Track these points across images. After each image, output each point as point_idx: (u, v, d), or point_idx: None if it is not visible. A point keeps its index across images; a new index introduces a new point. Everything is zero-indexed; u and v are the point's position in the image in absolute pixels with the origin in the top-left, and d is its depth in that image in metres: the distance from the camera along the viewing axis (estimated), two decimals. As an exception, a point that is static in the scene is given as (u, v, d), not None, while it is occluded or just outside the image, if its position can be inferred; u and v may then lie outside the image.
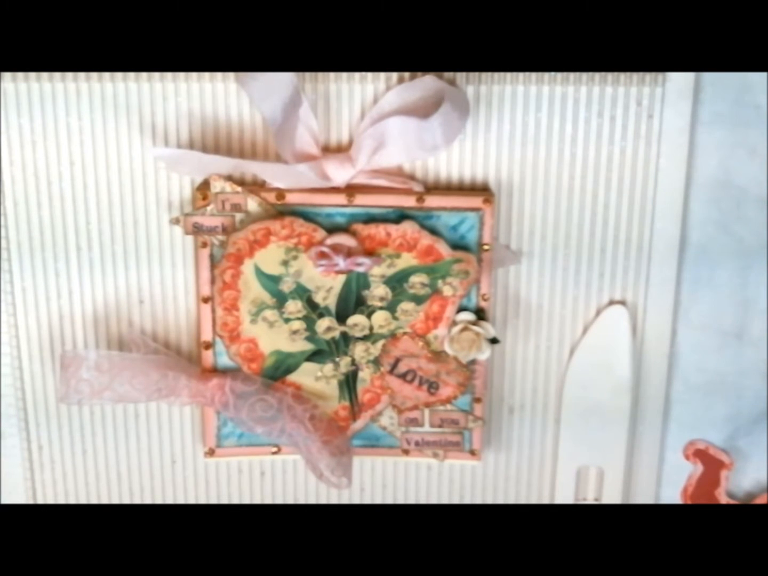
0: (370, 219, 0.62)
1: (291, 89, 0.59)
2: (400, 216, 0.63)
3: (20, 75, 0.61)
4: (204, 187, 0.62)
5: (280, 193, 0.62)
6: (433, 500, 0.71)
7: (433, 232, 0.63)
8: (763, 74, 0.62)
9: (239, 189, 0.62)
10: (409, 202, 0.62)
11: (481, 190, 0.64)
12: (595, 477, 0.70)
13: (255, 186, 0.63)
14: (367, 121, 0.61)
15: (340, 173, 0.62)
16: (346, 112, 0.62)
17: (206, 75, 0.62)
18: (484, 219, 0.63)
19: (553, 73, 0.62)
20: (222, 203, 0.62)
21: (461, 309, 0.64)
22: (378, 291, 0.63)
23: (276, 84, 0.59)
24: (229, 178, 0.62)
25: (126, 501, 0.70)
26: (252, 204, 0.62)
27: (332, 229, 0.62)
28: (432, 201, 0.62)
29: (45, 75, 0.62)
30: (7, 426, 0.68)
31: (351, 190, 0.62)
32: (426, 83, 0.61)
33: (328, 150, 0.63)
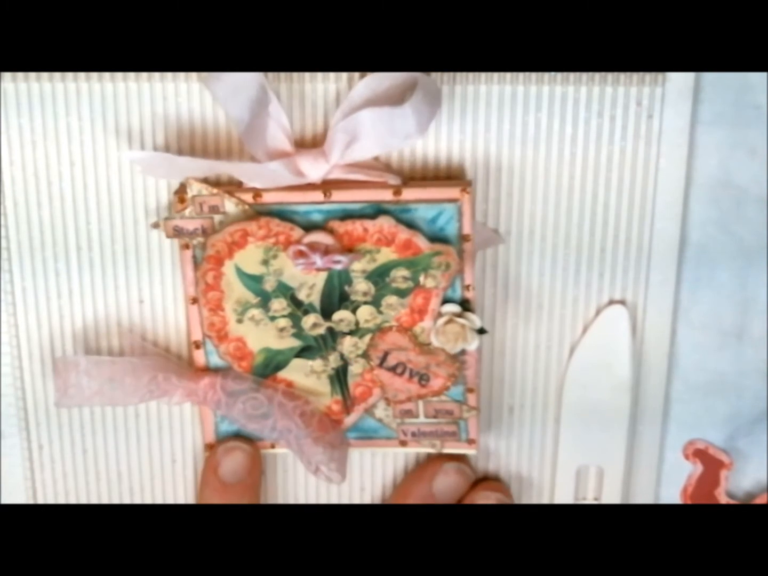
0: (347, 215, 0.62)
1: (257, 87, 0.59)
2: (376, 211, 0.62)
3: (20, 75, 0.61)
4: (181, 190, 0.62)
5: (257, 193, 0.62)
6: (433, 500, 0.71)
7: (411, 225, 0.62)
8: (763, 74, 0.62)
9: (215, 191, 0.62)
10: (386, 195, 0.62)
11: (458, 179, 0.63)
12: (594, 476, 0.70)
13: (232, 186, 0.62)
14: (338, 115, 0.61)
15: (314, 169, 0.61)
16: (318, 103, 0.62)
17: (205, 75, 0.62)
18: (462, 210, 0.62)
19: (553, 73, 0.62)
20: (200, 206, 0.62)
21: (446, 301, 0.64)
22: (360, 286, 0.63)
23: (242, 82, 0.59)
24: (206, 180, 0.62)
25: (126, 501, 0.70)
26: (230, 205, 0.62)
27: (309, 227, 0.62)
28: (409, 194, 0.62)
29: (45, 75, 0.62)
30: (7, 426, 0.68)
31: (327, 186, 0.62)
32: (394, 72, 0.60)
33: (305, 144, 0.62)
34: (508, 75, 0.62)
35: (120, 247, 0.65)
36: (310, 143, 0.63)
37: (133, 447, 0.69)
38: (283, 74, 0.62)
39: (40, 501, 0.70)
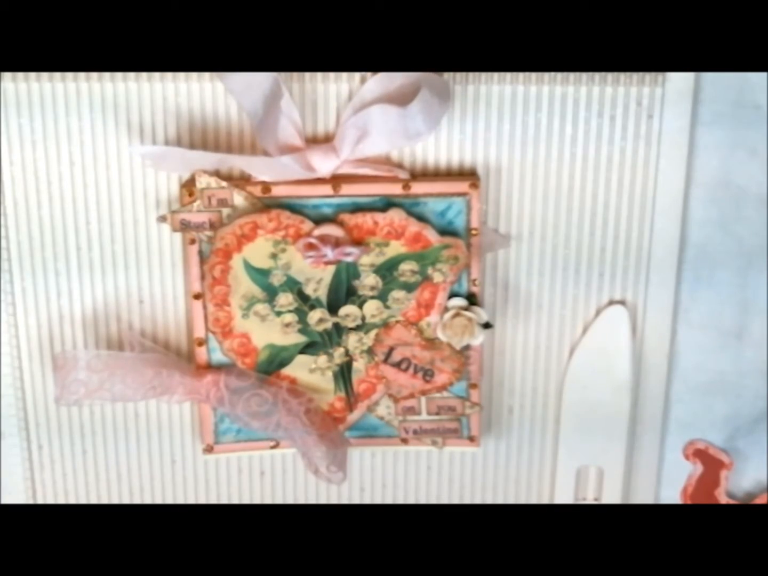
0: (357, 208, 0.62)
1: (271, 81, 0.59)
2: (386, 204, 0.63)
3: (20, 75, 0.61)
4: (190, 183, 0.62)
5: (266, 186, 0.62)
6: (433, 500, 0.71)
7: (421, 218, 0.63)
8: (763, 74, 0.62)
9: (224, 184, 0.62)
10: (395, 189, 0.62)
11: (469, 175, 0.64)
12: (594, 477, 0.70)
13: (241, 180, 0.63)
14: (349, 111, 0.61)
15: (324, 164, 0.62)
16: (329, 101, 0.62)
17: (206, 75, 0.62)
18: (471, 203, 0.63)
19: (553, 73, 0.62)
20: (208, 199, 0.62)
21: (452, 295, 0.64)
22: (368, 280, 0.63)
23: (256, 77, 0.59)
24: (216, 173, 0.62)
25: (126, 501, 0.70)
26: (238, 198, 0.62)
27: (319, 220, 0.63)
28: (418, 188, 0.62)
29: (45, 75, 0.62)
30: (7, 426, 0.68)
31: (337, 180, 0.62)
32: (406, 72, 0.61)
33: (312, 141, 0.63)
34: (509, 75, 0.62)
35: (120, 247, 0.65)
36: (320, 138, 0.63)
37: (133, 448, 0.69)
38: (294, 74, 0.62)
39: (40, 501, 0.70)
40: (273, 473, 0.70)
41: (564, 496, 0.70)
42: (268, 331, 0.64)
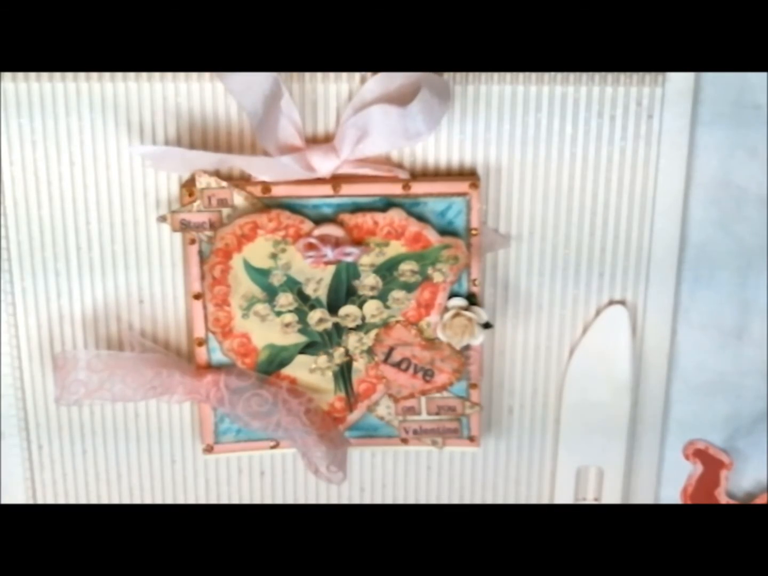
0: (357, 208, 0.63)
1: (271, 81, 0.59)
2: (386, 204, 0.63)
3: (20, 75, 0.61)
4: (190, 183, 0.62)
5: (266, 186, 0.62)
6: (433, 500, 0.71)
7: (421, 218, 0.63)
8: (763, 74, 0.62)
9: (224, 184, 0.62)
10: (395, 189, 0.63)
11: (469, 175, 0.64)
12: (594, 477, 0.70)
13: (241, 180, 0.63)
14: (349, 111, 0.61)
15: (324, 164, 0.62)
16: (329, 101, 0.62)
17: (206, 75, 0.62)
18: (471, 203, 0.63)
19: (553, 73, 0.62)
20: (208, 199, 0.62)
21: (452, 295, 0.64)
22: (368, 280, 0.63)
23: (256, 77, 0.59)
24: (216, 173, 0.62)
25: (126, 501, 0.70)
26: (238, 198, 0.62)
27: (319, 220, 0.63)
28: (418, 188, 0.62)
29: (45, 75, 0.62)
30: (7, 426, 0.68)
31: (337, 180, 0.62)
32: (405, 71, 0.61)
33: (312, 141, 0.63)
34: (509, 75, 0.62)
35: (120, 247, 0.65)
36: (321, 137, 0.63)
37: (133, 448, 0.69)
38: (294, 74, 0.62)
39: (40, 501, 0.70)
40: (273, 473, 0.70)
41: (564, 496, 0.70)
42: (268, 331, 0.65)
